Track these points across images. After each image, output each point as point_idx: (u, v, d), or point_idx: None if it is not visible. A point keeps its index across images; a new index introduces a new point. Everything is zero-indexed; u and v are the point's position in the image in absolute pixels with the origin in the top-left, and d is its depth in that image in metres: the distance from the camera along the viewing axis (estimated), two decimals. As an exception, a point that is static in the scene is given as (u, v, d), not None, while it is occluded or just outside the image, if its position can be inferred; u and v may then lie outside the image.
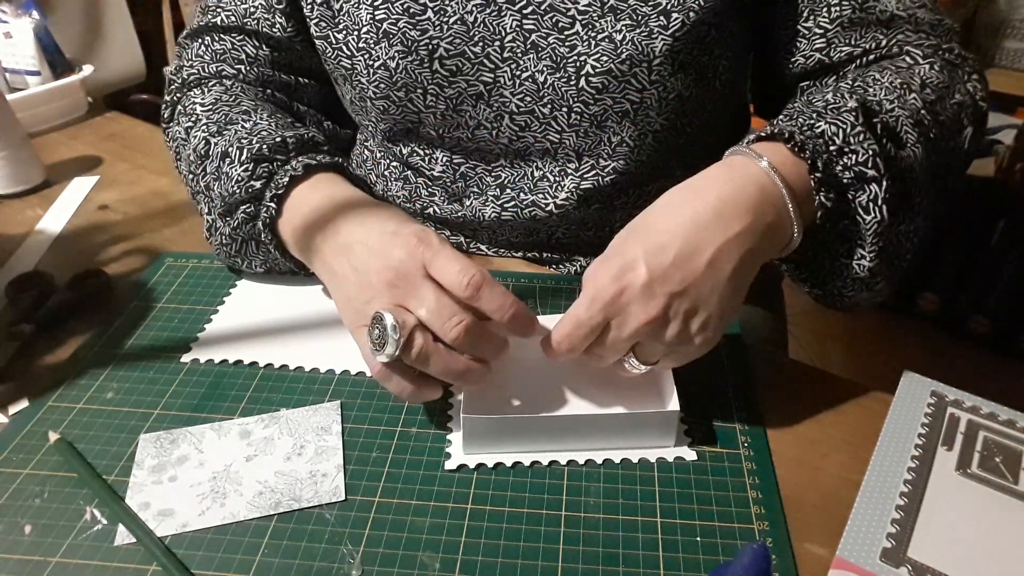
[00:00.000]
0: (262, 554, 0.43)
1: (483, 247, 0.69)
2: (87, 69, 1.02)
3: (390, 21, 0.58)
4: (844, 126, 0.48)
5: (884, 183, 0.48)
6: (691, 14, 0.55)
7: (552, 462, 0.49)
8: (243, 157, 0.56)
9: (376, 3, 0.58)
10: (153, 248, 0.71)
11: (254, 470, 0.48)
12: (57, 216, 0.77)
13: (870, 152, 0.48)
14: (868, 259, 0.50)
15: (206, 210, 0.61)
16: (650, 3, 0.55)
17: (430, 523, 0.45)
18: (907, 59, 0.57)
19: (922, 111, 0.52)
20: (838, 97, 0.50)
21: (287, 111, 0.66)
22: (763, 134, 0.49)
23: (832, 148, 0.48)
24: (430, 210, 0.68)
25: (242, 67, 0.67)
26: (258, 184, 0.55)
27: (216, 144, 0.59)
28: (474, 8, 0.57)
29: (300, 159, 0.56)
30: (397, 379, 0.47)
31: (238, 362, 0.57)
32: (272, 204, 0.55)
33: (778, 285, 0.85)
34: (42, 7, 1.07)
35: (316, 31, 0.64)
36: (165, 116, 0.69)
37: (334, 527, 0.45)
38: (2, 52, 0.98)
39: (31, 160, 0.83)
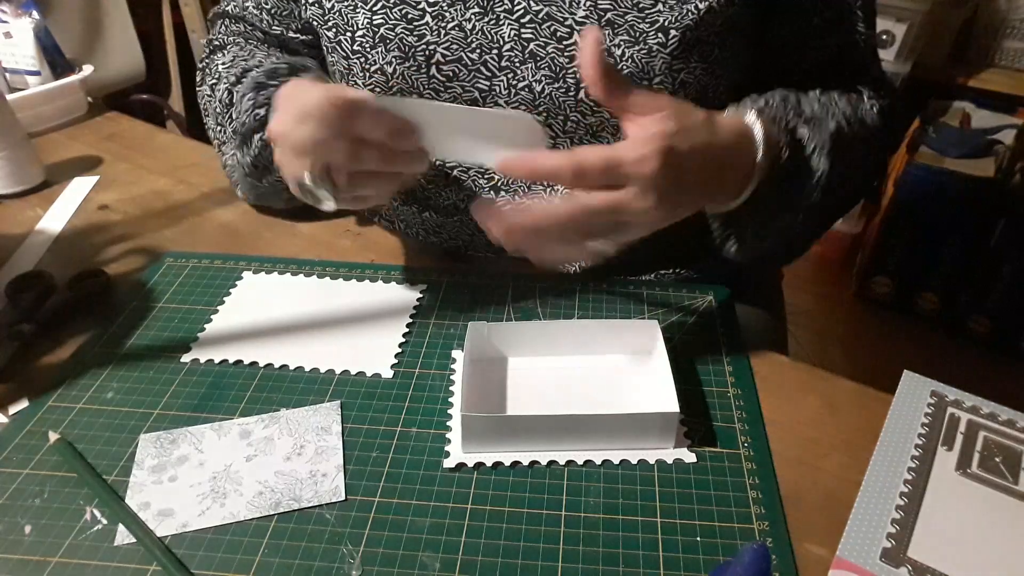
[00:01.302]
0: (262, 554, 0.43)
1: (482, 249, 0.69)
2: (87, 69, 1.02)
3: (387, 26, 0.58)
4: (814, 144, 0.56)
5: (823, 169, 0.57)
6: (688, 32, 0.55)
7: (552, 462, 0.49)
8: (250, 90, 0.61)
9: (374, 7, 0.58)
10: (153, 248, 0.71)
11: (254, 470, 0.48)
12: (57, 216, 0.77)
13: (824, 166, 0.56)
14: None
15: (230, 154, 0.65)
16: (648, 20, 0.55)
17: (430, 523, 0.45)
18: (858, 94, 0.64)
19: (854, 140, 0.60)
20: (822, 116, 0.58)
21: None
22: (763, 115, 0.54)
23: (801, 152, 0.56)
24: (427, 213, 0.68)
25: (255, 44, 0.71)
26: (262, 111, 0.59)
27: (238, 91, 0.63)
28: (472, 16, 0.57)
29: (290, 80, 0.58)
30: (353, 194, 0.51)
31: (238, 362, 0.57)
32: None
33: (778, 285, 0.85)
34: (42, 7, 1.07)
35: (316, 26, 0.64)
36: (197, 80, 0.74)
37: (334, 527, 0.45)
38: (2, 52, 0.98)
39: (31, 160, 0.83)
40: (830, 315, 1.83)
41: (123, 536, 0.44)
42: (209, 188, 0.82)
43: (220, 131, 0.67)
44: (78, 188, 0.83)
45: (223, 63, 0.68)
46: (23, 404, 0.54)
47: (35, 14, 1.00)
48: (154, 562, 0.43)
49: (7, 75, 0.99)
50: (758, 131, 0.51)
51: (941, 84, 1.73)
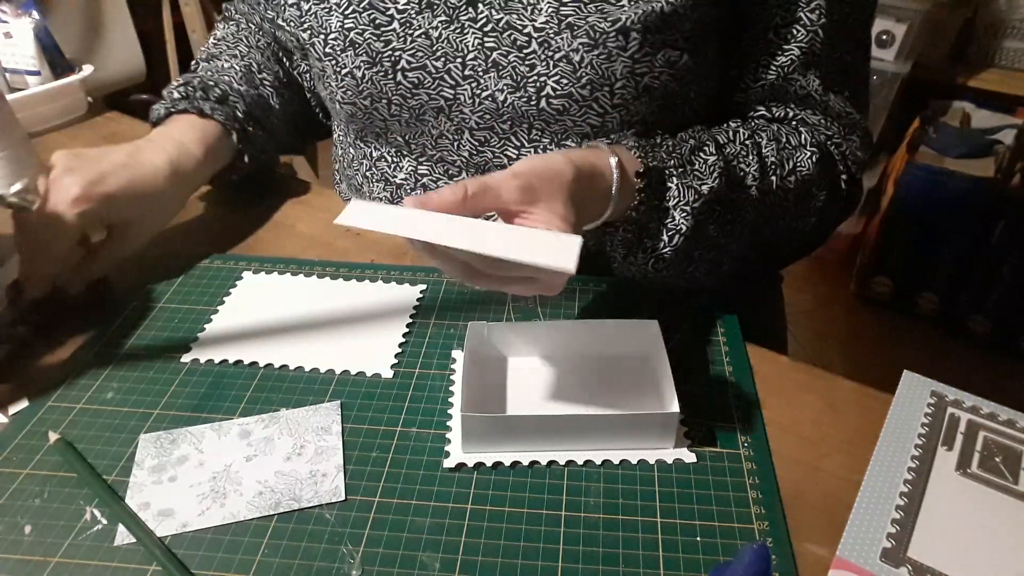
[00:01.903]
0: (262, 554, 0.43)
1: None
2: (87, 69, 1.01)
3: (357, 31, 0.58)
4: (677, 199, 0.53)
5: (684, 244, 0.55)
6: (648, 35, 0.53)
7: (552, 462, 0.49)
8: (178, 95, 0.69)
9: (346, 11, 0.58)
10: (153, 248, 0.71)
11: (254, 470, 0.48)
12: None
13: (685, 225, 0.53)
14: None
15: None
16: (609, 19, 0.53)
17: (430, 523, 0.45)
18: (797, 138, 0.59)
19: (769, 194, 0.57)
20: (714, 168, 0.54)
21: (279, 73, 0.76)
22: (639, 170, 0.52)
23: (666, 204, 0.54)
24: None
25: (247, 31, 0.75)
26: (161, 110, 0.69)
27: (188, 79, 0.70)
28: (439, 24, 0.56)
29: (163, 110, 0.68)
30: None
31: (238, 362, 0.57)
32: None
33: (778, 285, 0.85)
34: (42, 7, 1.07)
35: (294, 28, 0.65)
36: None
37: (334, 527, 0.45)
38: (2, 52, 0.98)
39: (31, 160, 0.83)
40: (830, 315, 1.83)
41: (123, 536, 0.44)
42: (209, 188, 0.82)
43: None
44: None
45: (213, 39, 0.73)
46: (23, 404, 0.54)
47: (35, 14, 1.00)
48: (154, 562, 0.43)
49: (7, 75, 0.99)
50: (614, 177, 0.50)
51: (941, 84, 1.73)
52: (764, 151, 0.57)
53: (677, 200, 0.53)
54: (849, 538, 0.43)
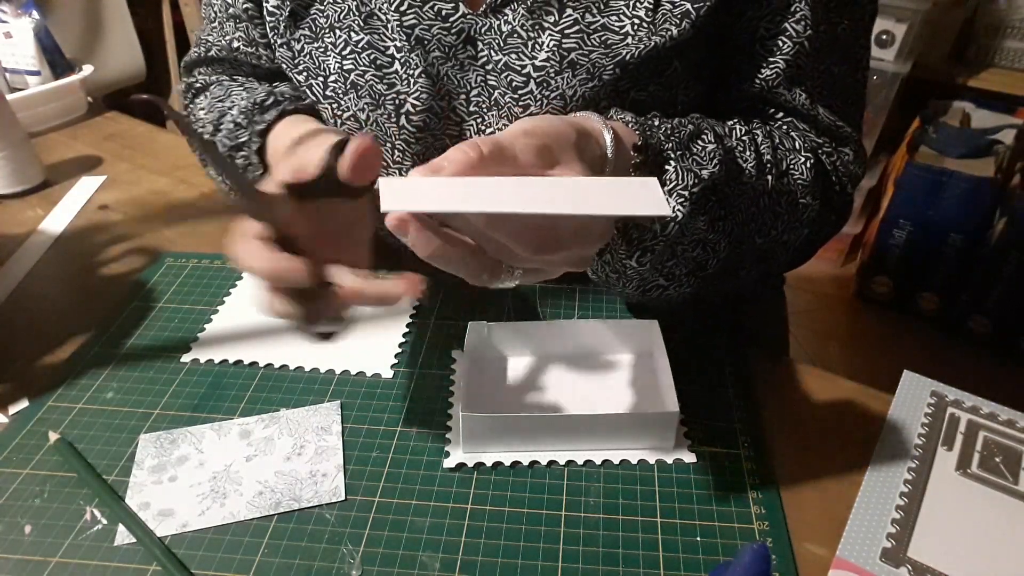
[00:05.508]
0: (262, 554, 0.43)
1: None
2: (87, 69, 1.02)
3: (357, 72, 0.56)
4: (686, 190, 0.49)
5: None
6: (645, 65, 0.52)
7: (552, 462, 0.49)
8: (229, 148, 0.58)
9: (344, 52, 0.56)
10: (153, 248, 0.71)
11: (254, 470, 0.48)
12: (62, 215, 0.77)
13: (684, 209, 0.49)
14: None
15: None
16: (611, 54, 0.52)
17: (430, 523, 0.45)
18: (791, 142, 0.57)
19: (764, 195, 0.54)
20: (715, 155, 0.51)
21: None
22: (637, 143, 0.48)
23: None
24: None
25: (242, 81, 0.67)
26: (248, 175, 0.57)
27: (220, 142, 0.60)
28: (435, 60, 0.55)
29: (252, 140, 0.57)
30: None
31: (238, 362, 0.57)
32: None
33: (779, 286, 0.85)
34: (42, 7, 1.07)
35: (286, 69, 0.62)
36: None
37: (334, 527, 0.45)
38: (2, 52, 0.99)
39: (31, 160, 0.83)
40: (830, 315, 1.83)
41: (123, 536, 0.44)
42: (209, 188, 0.82)
43: (221, 181, 0.63)
44: (85, 187, 0.83)
45: (203, 107, 0.64)
46: (23, 404, 0.54)
47: (35, 14, 1.00)
48: (154, 562, 0.43)
49: (7, 75, 0.99)
50: (609, 146, 0.46)
51: (941, 84, 1.73)
52: (761, 148, 0.56)
53: (675, 184, 0.49)
54: (849, 538, 0.43)
